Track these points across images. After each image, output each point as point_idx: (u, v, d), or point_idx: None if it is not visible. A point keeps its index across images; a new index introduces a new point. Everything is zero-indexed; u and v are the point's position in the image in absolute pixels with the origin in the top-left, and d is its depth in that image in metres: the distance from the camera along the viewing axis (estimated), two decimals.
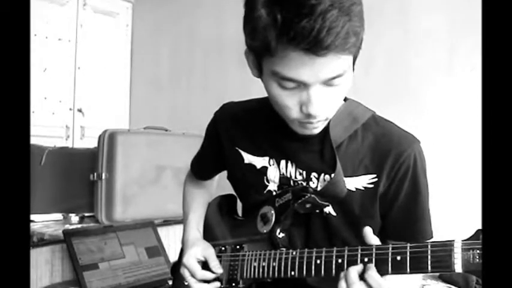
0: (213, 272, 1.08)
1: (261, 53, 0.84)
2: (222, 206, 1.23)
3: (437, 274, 1.84)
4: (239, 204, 1.20)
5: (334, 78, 0.82)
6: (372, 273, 0.79)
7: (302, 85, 0.83)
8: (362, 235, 0.85)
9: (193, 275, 1.10)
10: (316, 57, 0.77)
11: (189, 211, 1.25)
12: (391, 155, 0.94)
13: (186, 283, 1.11)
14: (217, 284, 1.08)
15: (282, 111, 0.89)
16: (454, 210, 1.92)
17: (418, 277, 0.88)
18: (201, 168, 1.29)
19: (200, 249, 1.12)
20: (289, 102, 0.86)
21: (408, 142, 0.96)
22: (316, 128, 0.91)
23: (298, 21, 0.75)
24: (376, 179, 0.94)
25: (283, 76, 0.82)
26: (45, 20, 2.78)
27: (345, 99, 1.01)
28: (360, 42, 0.83)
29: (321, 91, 0.83)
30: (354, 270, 0.81)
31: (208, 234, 1.19)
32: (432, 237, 0.97)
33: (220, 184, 1.31)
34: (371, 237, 0.84)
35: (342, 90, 0.87)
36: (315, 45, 0.76)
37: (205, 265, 1.11)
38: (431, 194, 0.98)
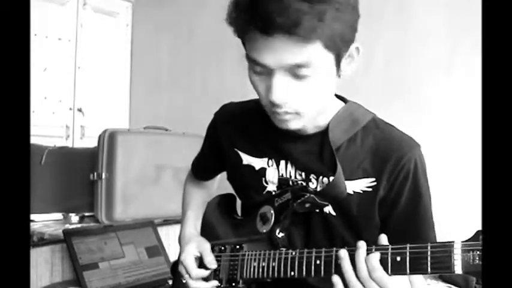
0: (207, 268, 1.09)
1: (241, 39, 0.87)
2: (221, 205, 1.23)
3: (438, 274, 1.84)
4: (238, 204, 1.20)
5: (298, 66, 0.82)
6: (373, 257, 0.79)
7: (269, 70, 0.84)
8: (361, 237, 0.85)
9: (189, 274, 1.10)
10: (270, 38, 0.79)
11: (187, 209, 1.26)
12: (391, 159, 0.93)
13: (184, 281, 1.11)
14: (215, 282, 1.08)
15: (260, 100, 0.91)
16: (454, 211, 1.92)
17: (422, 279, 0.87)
18: (202, 169, 1.29)
19: (195, 245, 1.13)
20: (260, 88, 0.88)
21: (409, 146, 0.95)
22: (287, 121, 0.90)
23: (256, 1, 0.78)
24: (375, 183, 0.94)
25: (249, 58, 0.85)
26: (45, 20, 2.77)
27: (346, 101, 1.01)
28: (341, 38, 0.82)
29: (285, 79, 0.84)
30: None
31: (207, 234, 1.19)
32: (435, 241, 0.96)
33: (221, 185, 1.31)
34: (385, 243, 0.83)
35: (314, 85, 0.85)
36: (265, 24, 0.78)
37: (202, 261, 1.11)
38: (431, 194, 0.98)
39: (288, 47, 0.80)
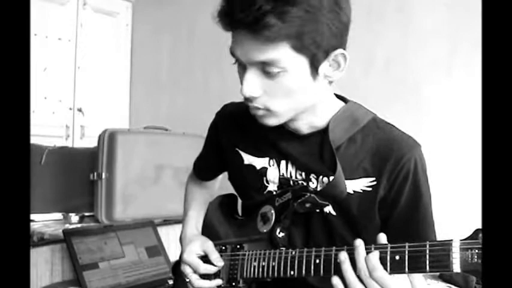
0: (214, 265, 1.08)
1: None
2: (222, 205, 1.23)
3: (438, 274, 1.84)
4: (240, 204, 1.20)
5: (265, 64, 0.84)
6: (372, 256, 0.79)
7: (244, 64, 0.87)
8: (361, 237, 0.85)
9: (195, 271, 1.10)
10: (236, 33, 0.84)
11: (188, 209, 1.26)
12: (392, 159, 0.93)
13: (187, 280, 1.11)
14: (219, 281, 1.08)
15: None
16: (454, 211, 1.92)
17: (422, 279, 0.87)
18: (203, 169, 1.29)
19: (198, 244, 1.12)
20: (240, 81, 0.90)
21: (409, 146, 0.95)
22: (261, 117, 0.92)
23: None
24: (375, 183, 0.94)
25: (230, 51, 0.88)
26: (45, 20, 2.78)
27: (346, 101, 1.01)
28: (314, 43, 0.83)
29: (256, 75, 0.86)
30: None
31: (209, 234, 1.18)
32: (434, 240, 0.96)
33: (223, 185, 1.31)
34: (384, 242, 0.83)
35: (285, 84, 0.86)
36: (228, 19, 0.82)
37: (205, 260, 1.10)
38: (432, 194, 0.98)
39: (252, 44, 0.82)
